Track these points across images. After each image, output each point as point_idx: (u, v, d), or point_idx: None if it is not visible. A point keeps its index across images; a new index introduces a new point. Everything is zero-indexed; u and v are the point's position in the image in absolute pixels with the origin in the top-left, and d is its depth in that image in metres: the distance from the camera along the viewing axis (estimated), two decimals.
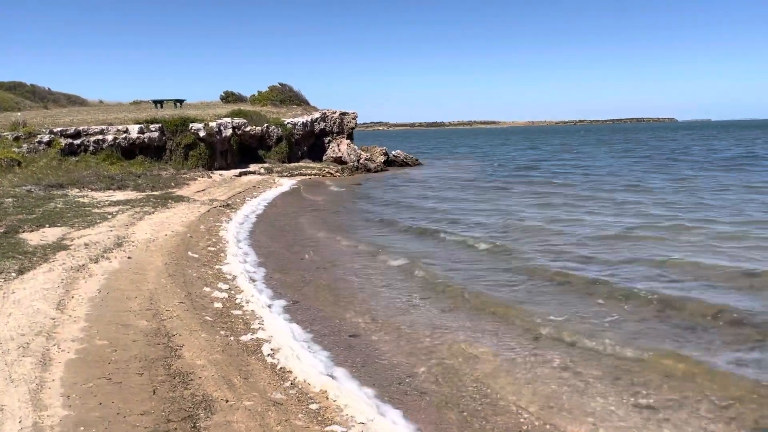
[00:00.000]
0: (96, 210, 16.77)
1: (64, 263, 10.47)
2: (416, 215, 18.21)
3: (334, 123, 39.55)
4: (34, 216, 15.03)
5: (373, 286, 10.32)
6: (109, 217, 15.75)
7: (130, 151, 27.22)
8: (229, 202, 20.83)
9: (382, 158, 38.22)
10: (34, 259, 10.70)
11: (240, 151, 32.24)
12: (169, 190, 22.24)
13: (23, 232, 13.17)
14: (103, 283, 9.26)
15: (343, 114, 40.04)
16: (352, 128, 40.52)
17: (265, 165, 32.93)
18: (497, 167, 39.18)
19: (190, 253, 12.14)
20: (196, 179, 26.25)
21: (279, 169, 32.61)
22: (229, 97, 48.10)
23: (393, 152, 40.80)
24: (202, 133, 28.73)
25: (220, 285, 9.90)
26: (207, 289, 9.53)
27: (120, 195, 20.34)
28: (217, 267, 11.33)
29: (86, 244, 12.18)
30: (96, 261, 10.77)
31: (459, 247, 13.22)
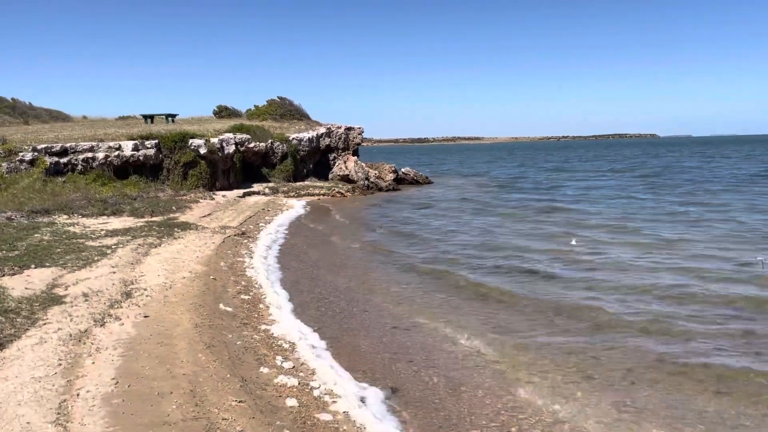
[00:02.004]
0: (91, 243, 13.97)
1: (59, 328, 7.71)
2: (483, 261, 13.55)
3: (339, 138, 36.98)
4: (16, 253, 12.23)
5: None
6: (108, 252, 12.97)
7: (123, 170, 24.38)
8: (243, 229, 18.08)
9: (391, 176, 35.70)
10: (18, 321, 7.92)
11: (242, 169, 29.48)
12: (171, 216, 19.45)
13: (3, 275, 10.38)
14: (119, 364, 6.51)
15: (349, 129, 37.49)
16: (358, 144, 37.97)
17: (270, 184, 30.20)
18: (516, 189, 36.72)
19: (221, 305, 9.40)
20: (198, 201, 23.47)
21: (285, 188, 29.90)
22: (222, 112, 45.28)
23: (402, 170, 38.31)
24: (203, 150, 25.99)
25: (280, 361, 7.18)
26: (265, 371, 6.81)
27: (116, 222, 17.52)
28: (262, 327, 8.60)
29: (85, 294, 9.41)
30: (102, 323, 8.01)
31: (579, 323, 8.91)
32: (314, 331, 8.45)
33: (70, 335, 7.47)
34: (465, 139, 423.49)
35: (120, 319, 8.23)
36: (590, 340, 8.06)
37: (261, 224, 19.68)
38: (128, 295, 9.59)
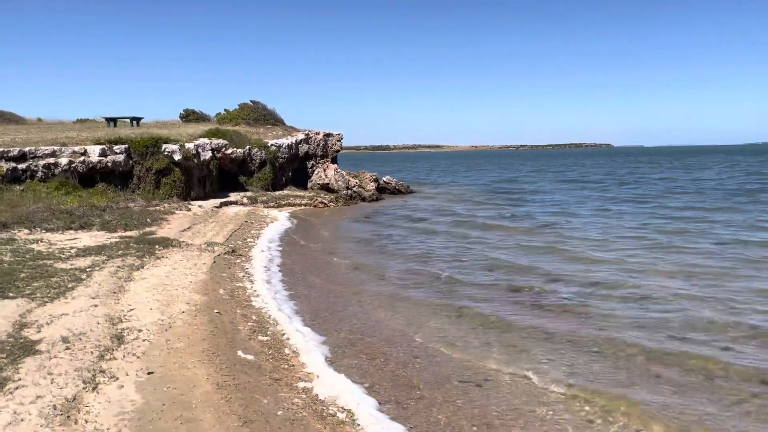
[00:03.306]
0: (61, 264, 11.89)
1: (38, 395, 5.80)
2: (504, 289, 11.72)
3: (318, 145, 35.11)
4: None
5: None
6: (84, 277, 10.94)
7: (88, 177, 22.07)
8: (232, 246, 16.13)
9: (372, 185, 33.98)
10: None
11: (218, 177, 27.36)
12: (148, 230, 17.38)
13: None
14: None
15: (328, 135, 35.67)
16: (337, 151, 36.16)
17: (248, 194, 28.15)
18: (500, 196, 35.43)
19: (240, 353, 7.56)
20: (173, 212, 21.35)
21: (264, 198, 27.90)
22: (190, 116, 42.79)
23: (383, 178, 36.66)
24: (177, 156, 23.84)
25: None
26: None
27: (86, 238, 15.38)
28: (301, 386, 6.80)
29: (65, 339, 7.46)
30: (94, 385, 6.13)
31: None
32: (367, 391, 6.67)
33: (55, 407, 5.57)
34: (426, 147, 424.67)
35: (117, 378, 6.34)
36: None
37: (249, 240, 17.73)
38: (120, 339, 7.67)
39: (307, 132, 35.15)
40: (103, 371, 6.51)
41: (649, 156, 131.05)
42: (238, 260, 14.43)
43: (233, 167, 28.56)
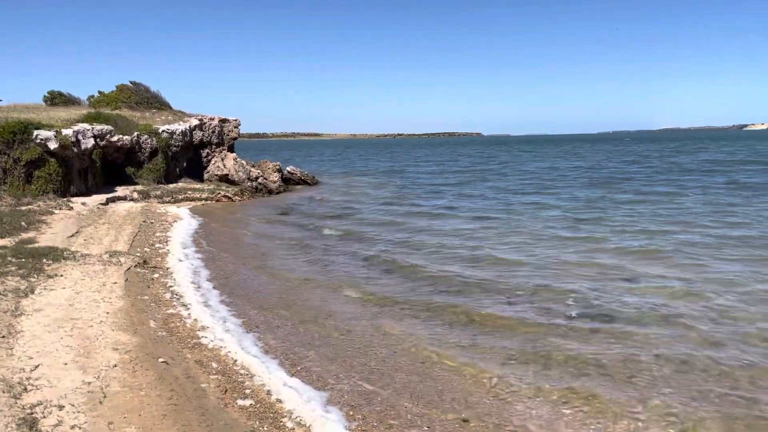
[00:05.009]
0: None
1: None
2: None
3: (213, 132, 31.73)
4: None
5: None
6: None
7: None
8: (140, 255, 13.13)
9: (276, 176, 31.22)
10: None
11: (102, 169, 23.50)
12: (25, 236, 13.91)
13: None
14: None
15: (223, 121, 32.34)
16: (234, 138, 32.92)
17: (138, 187, 24.46)
18: (408, 186, 33.89)
19: None
20: (52, 213, 17.66)
21: (158, 192, 24.36)
22: (56, 98, 37.33)
23: (287, 168, 33.96)
24: (52, 145, 19.91)
25: None
26: None
27: None
28: None
29: None
30: None
31: None
32: None
33: None
34: (304, 134, 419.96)
35: None
36: None
37: (158, 246, 14.71)
38: (31, 426, 4.96)
39: (200, 117, 31.62)
40: None
41: (515, 145, 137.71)
42: (156, 275, 11.56)
43: (119, 157, 24.71)
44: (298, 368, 7.01)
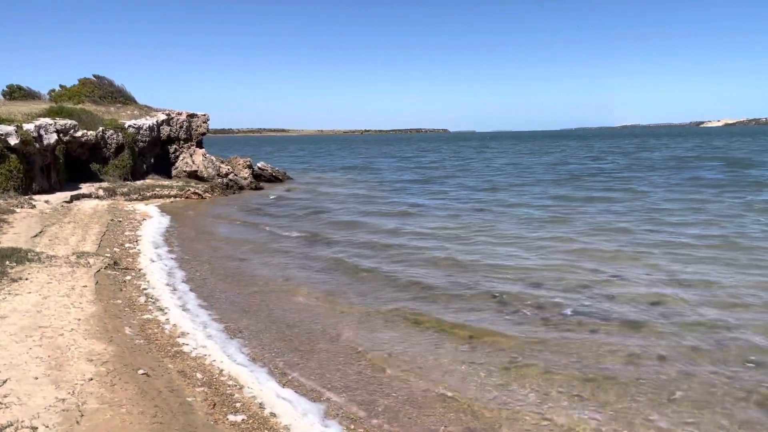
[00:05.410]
0: None
1: None
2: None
3: (181, 127, 30.82)
4: None
5: None
6: None
7: None
8: (109, 254, 12.49)
9: (247, 172, 30.53)
10: None
11: (65, 165, 22.55)
12: None
13: None
14: None
15: (192, 116, 31.47)
16: (203, 134, 32.05)
17: (104, 184, 23.56)
18: (378, 182, 33.49)
19: None
20: (13, 211, 16.80)
21: (124, 189, 23.51)
22: (15, 92, 35.86)
23: (258, 164, 33.24)
24: (13, 140, 18.97)
25: None
26: None
27: None
28: None
29: None
30: None
31: None
32: None
33: None
34: (271, 130, 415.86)
35: None
36: None
37: (128, 245, 14.06)
38: None
39: (167, 112, 30.69)
40: None
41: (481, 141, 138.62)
42: (128, 277, 10.96)
43: (84, 153, 23.75)
44: (289, 377, 6.58)
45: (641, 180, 29.47)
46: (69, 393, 5.59)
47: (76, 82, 34.69)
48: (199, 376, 6.46)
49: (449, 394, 6.21)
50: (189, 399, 5.81)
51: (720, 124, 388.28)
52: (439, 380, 6.58)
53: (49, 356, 6.49)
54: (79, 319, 7.93)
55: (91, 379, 5.95)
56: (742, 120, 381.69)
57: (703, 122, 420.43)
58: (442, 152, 73.51)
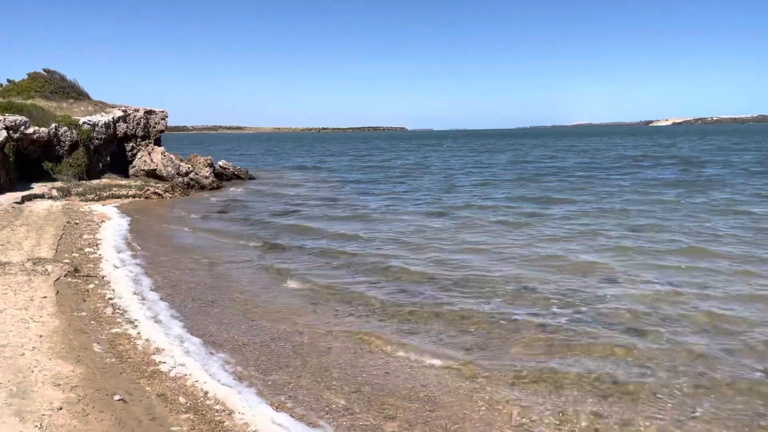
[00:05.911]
0: None
1: None
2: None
3: (138, 124, 29.62)
4: None
5: None
6: None
7: None
8: (68, 260, 11.63)
9: (208, 170, 29.51)
10: None
11: (16, 164, 21.28)
12: None
13: None
14: None
15: (149, 113, 30.29)
16: (161, 131, 30.92)
17: (57, 184, 22.36)
18: (338, 180, 32.88)
19: None
20: None
21: (80, 189, 22.35)
22: None
23: (219, 163, 32.26)
24: None
25: None
26: None
27: None
28: None
29: None
30: None
31: None
32: None
33: None
34: (227, 128, 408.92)
35: None
36: None
37: (88, 250, 13.16)
38: None
39: (124, 108, 29.45)
40: None
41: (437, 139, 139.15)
42: (91, 285, 10.16)
43: (35, 151, 22.48)
44: (282, 398, 6.01)
45: (602, 179, 29.23)
46: (36, 427, 4.92)
47: (26, 77, 33.13)
48: (182, 400, 5.83)
49: None
50: (174, 429, 5.20)
51: (668, 123, 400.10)
52: None
53: (9, 381, 5.77)
54: (41, 336, 7.19)
55: (60, 408, 5.27)
56: (689, 119, 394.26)
57: (652, 121, 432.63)
58: (398, 150, 73.20)
